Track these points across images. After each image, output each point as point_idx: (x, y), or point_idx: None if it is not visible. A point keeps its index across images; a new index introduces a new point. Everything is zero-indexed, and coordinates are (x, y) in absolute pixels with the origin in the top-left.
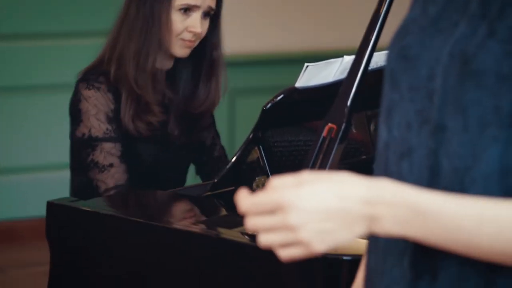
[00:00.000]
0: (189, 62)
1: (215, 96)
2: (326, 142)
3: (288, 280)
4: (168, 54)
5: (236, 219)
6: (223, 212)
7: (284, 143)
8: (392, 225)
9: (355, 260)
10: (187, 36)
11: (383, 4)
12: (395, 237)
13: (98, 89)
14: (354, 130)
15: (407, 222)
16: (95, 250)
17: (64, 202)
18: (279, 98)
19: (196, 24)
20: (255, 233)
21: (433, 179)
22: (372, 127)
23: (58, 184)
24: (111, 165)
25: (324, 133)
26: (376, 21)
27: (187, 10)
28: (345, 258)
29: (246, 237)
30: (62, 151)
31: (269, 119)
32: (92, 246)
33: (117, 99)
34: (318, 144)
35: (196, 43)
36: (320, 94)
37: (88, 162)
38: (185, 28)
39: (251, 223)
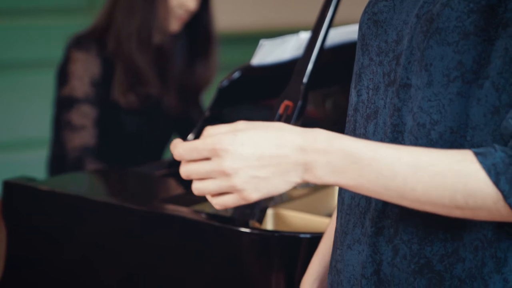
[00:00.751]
0: (183, 38)
1: (212, 72)
2: (282, 119)
3: (245, 259)
4: (165, 30)
5: (192, 197)
6: (180, 190)
7: (241, 121)
8: (326, 172)
9: (313, 238)
10: (180, 11)
11: None
12: (330, 184)
13: (88, 51)
14: (310, 108)
15: (341, 170)
16: (53, 231)
17: (20, 181)
18: (234, 75)
19: (189, 1)
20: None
21: (396, 137)
22: (328, 104)
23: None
24: (83, 127)
25: (280, 111)
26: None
27: None
28: (302, 236)
29: (203, 215)
30: (39, 128)
31: (225, 97)
32: (50, 227)
33: (106, 67)
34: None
35: (188, 19)
36: (276, 71)
37: (63, 121)
38: (178, 4)
39: (185, 170)
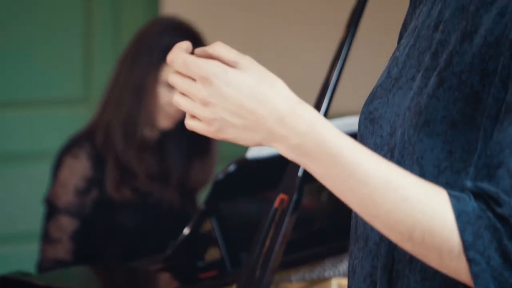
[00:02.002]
0: (179, 133)
1: (208, 174)
2: (278, 213)
3: None
4: (153, 125)
5: None
6: (174, 285)
7: (237, 214)
8: (293, 153)
9: None
10: (170, 109)
11: (333, 71)
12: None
13: (77, 156)
14: (306, 200)
15: (312, 156)
16: None
17: (16, 276)
18: (230, 168)
19: None
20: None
21: None
22: (324, 196)
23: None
24: (58, 240)
25: (276, 204)
26: (325, 89)
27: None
28: None
29: None
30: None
31: (221, 190)
32: None
33: (97, 168)
34: (270, 216)
35: (181, 116)
36: (272, 163)
37: (43, 227)
38: (168, 102)
39: (173, 79)
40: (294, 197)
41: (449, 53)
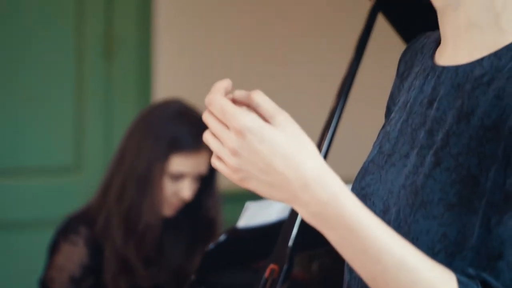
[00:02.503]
0: (180, 222)
1: None
2: (268, 283)
3: None
4: (157, 218)
5: None
6: None
7: (228, 284)
8: (313, 218)
9: None
10: (175, 200)
11: (323, 140)
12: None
13: (74, 243)
14: (297, 270)
15: (328, 224)
16: None
17: None
18: (220, 239)
19: (186, 191)
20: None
21: None
22: (314, 266)
23: None
24: None
25: (266, 274)
26: None
27: (178, 176)
28: None
29: None
30: None
31: (212, 260)
32: None
33: (94, 256)
34: (260, 286)
35: (183, 204)
36: (263, 233)
37: None
38: (173, 192)
39: (207, 119)
40: (285, 267)
41: (445, 133)
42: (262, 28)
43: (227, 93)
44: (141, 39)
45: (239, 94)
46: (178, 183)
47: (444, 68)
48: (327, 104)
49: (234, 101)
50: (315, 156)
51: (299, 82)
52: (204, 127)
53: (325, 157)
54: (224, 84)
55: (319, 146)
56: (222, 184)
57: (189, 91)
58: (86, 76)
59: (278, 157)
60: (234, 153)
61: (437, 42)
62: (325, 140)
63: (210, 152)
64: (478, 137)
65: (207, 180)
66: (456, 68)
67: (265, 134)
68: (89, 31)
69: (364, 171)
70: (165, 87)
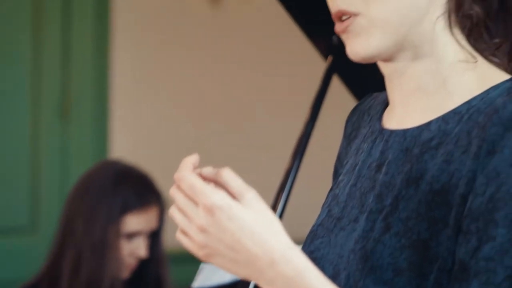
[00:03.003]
0: (134, 283)
1: None
2: None
3: None
4: (116, 281)
5: None
6: None
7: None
8: None
9: None
10: (131, 260)
11: (278, 201)
12: None
13: None
14: None
15: None
16: None
17: None
18: None
19: (142, 249)
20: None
21: None
22: None
23: None
24: None
25: None
26: None
27: (133, 235)
28: None
29: None
30: None
31: None
32: None
33: None
34: None
35: (136, 265)
36: None
37: None
38: (130, 252)
39: (174, 195)
40: None
41: (394, 197)
42: (222, 89)
43: (194, 168)
44: (97, 99)
45: (207, 171)
46: (133, 242)
47: (392, 132)
48: (283, 163)
49: (202, 178)
50: (282, 233)
51: (255, 140)
52: (148, 182)
53: (280, 217)
54: (192, 159)
55: (274, 207)
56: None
57: (145, 150)
58: (42, 136)
59: (246, 235)
60: (202, 230)
61: (385, 104)
62: (280, 201)
63: (158, 207)
64: (427, 202)
65: (156, 235)
66: (404, 132)
67: (234, 212)
68: (45, 91)
69: (313, 235)
70: (121, 146)
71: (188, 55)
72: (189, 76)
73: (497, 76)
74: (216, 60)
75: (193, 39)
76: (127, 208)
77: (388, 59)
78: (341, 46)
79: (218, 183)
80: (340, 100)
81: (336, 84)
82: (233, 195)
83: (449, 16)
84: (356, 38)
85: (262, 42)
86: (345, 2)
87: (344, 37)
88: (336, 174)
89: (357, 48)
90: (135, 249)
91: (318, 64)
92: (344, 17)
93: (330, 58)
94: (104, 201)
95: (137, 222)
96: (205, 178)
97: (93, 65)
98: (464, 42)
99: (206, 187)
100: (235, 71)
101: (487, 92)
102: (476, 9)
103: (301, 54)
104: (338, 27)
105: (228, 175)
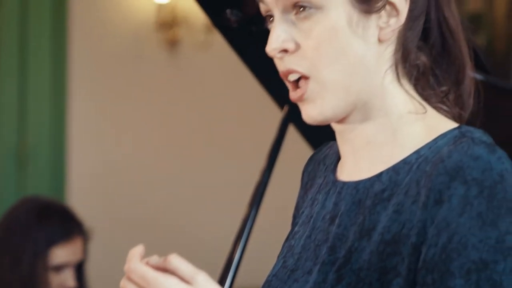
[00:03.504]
0: None
1: None
2: None
3: None
4: None
5: None
6: None
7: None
8: None
9: None
10: None
11: (236, 248)
12: None
13: None
14: None
15: None
16: None
17: None
18: None
19: (70, 280)
20: None
21: None
22: None
23: None
24: None
25: None
26: (229, 266)
27: (60, 267)
28: None
29: None
30: None
31: None
32: None
33: None
34: None
35: None
36: None
37: None
38: (59, 285)
39: (126, 286)
40: None
41: (347, 249)
42: (177, 135)
43: (141, 258)
44: (54, 147)
45: (154, 260)
46: (61, 275)
47: (344, 183)
48: (240, 213)
49: (150, 266)
50: None
51: (211, 188)
52: (70, 214)
53: (237, 267)
54: (139, 250)
55: (231, 255)
56: None
57: (101, 201)
58: None
59: None
60: None
61: (339, 155)
62: (237, 249)
63: (82, 237)
64: (379, 252)
65: (81, 266)
66: (356, 184)
67: None
68: (1, 140)
69: (267, 285)
70: (79, 194)
71: (145, 99)
72: (147, 120)
73: (445, 124)
74: (172, 105)
75: (150, 84)
76: (52, 241)
77: (342, 119)
78: None
79: (168, 270)
80: (297, 148)
81: (292, 132)
82: (184, 280)
83: (396, 68)
84: (310, 104)
85: (218, 88)
86: (292, 62)
87: (299, 104)
88: (294, 222)
89: (312, 113)
90: (63, 281)
91: (275, 112)
92: (291, 76)
93: (286, 107)
94: (29, 236)
95: (63, 254)
96: (153, 267)
97: (50, 113)
98: (412, 92)
99: (158, 275)
100: (190, 117)
101: (435, 140)
102: (422, 58)
103: (257, 102)
104: (293, 95)
105: (176, 261)
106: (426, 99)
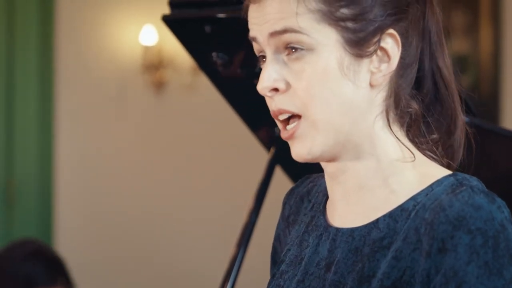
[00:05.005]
0: None
1: None
2: None
3: None
4: None
5: None
6: None
7: None
8: None
9: None
10: None
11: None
12: None
13: None
14: None
15: None
16: None
17: None
18: None
19: None
20: None
21: None
22: None
23: None
24: None
25: None
26: None
27: None
28: None
29: None
30: None
31: None
32: None
33: None
34: None
35: None
36: None
37: None
38: None
39: None
40: None
41: None
42: (165, 175)
43: None
44: (41, 186)
45: None
46: None
47: (338, 230)
48: (228, 251)
49: None
50: None
51: (198, 228)
52: (59, 263)
53: None
54: None
55: None
56: None
57: (88, 240)
58: None
59: None
60: None
61: (327, 196)
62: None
63: (65, 285)
64: None
65: None
66: (352, 231)
67: None
68: None
69: None
70: (66, 233)
71: (132, 141)
72: (134, 161)
73: (438, 171)
74: (159, 146)
75: (137, 126)
76: (34, 283)
77: (331, 159)
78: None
79: None
80: (284, 189)
81: (279, 173)
82: None
83: (387, 114)
84: (300, 142)
85: (205, 130)
86: (283, 102)
87: (289, 142)
88: (276, 254)
89: (301, 151)
90: None
91: (261, 154)
92: (282, 116)
93: (272, 149)
94: (9, 274)
95: None
96: None
97: (37, 152)
98: (403, 139)
99: None
100: (177, 158)
101: (431, 187)
102: (414, 106)
103: (244, 144)
104: (284, 134)
105: None
106: (417, 146)
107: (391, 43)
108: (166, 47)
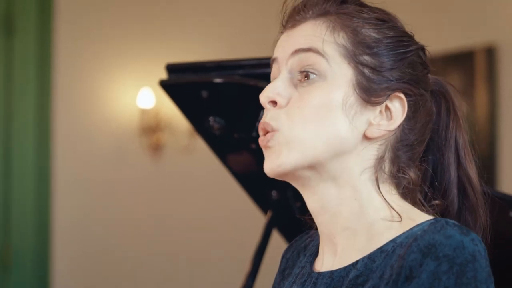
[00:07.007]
0: None
1: None
2: None
3: None
4: None
5: None
6: None
7: None
8: None
9: None
10: None
11: None
12: None
13: None
14: None
15: None
16: None
17: None
18: None
19: None
20: None
21: None
22: None
23: None
24: None
25: None
26: None
27: None
28: None
29: None
30: None
31: None
32: None
33: None
34: None
35: None
36: None
37: None
38: None
39: None
40: None
41: None
42: (162, 240)
43: None
44: (37, 247)
45: None
46: None
47: (319, 274)
48: None
49: None
50: None
51: None
52: None
53: None
54: None
55: None
56: None
57: (83, 262)
58: None
59: None
60: None
61: (318, 248)
62: None
63: None
64: None
65: None
66: (331, 273)
67: None
68: None
69: None
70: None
71: (129, 203)
72: (131, 223)
73: (421, 217)
74: (156, 208)
75: (134, 188)
76: None
77: (303, 182)
78: (280, 201)
79: None
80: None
81: (276, 237)
82: None
83: (376, 172)
84: (274, 155)
85: (201, 192)
86: (273, 117)
87: (265, 153)
88: None
89: (272, 165)
90: None
91: (258, 216)
92: (263, 129)
93: (269, 212)
94: None
95: None
96: None
97: (34, 217)
98: (395, 197)
99: None
100: (174, 220)
101: (411, 229)
102: (410, 174)
103: (240, 207)
104: (261, 141)
105: None
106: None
107: (398, 106)
108: (163, 110)
